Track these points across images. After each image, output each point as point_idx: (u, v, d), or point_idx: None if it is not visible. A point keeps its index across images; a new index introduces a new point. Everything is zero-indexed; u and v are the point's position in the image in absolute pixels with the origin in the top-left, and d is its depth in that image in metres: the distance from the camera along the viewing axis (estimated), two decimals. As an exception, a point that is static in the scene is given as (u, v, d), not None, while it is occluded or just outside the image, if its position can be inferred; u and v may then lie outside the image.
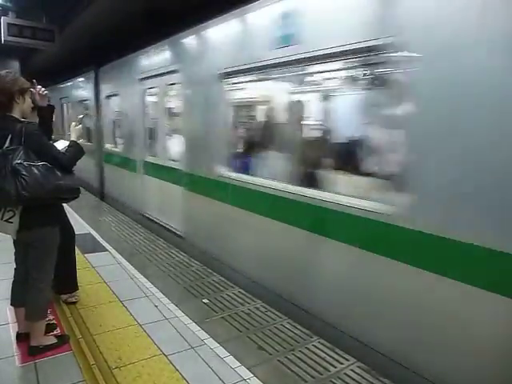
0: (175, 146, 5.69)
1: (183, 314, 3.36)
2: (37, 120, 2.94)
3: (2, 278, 3.35)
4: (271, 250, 3.76)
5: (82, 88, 9.82)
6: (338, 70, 3.52)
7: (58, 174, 2.54)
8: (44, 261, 2.67)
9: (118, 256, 4.73)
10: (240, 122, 5.04)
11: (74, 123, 2.99)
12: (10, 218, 2.50)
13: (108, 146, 8.32)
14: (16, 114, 2.57)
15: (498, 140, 2.12)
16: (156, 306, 3.48)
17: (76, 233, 3.59)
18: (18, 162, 2.39)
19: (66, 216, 3.50)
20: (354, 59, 3.01)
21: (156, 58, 5.93)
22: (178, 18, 5.08)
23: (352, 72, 3.62)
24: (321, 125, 4.15)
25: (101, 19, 7.23)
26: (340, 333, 2.99)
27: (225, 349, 2.85)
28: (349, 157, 3.63)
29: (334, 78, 3.94)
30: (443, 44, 2.32)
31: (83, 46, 9.11)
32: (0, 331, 2.99)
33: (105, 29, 7.47)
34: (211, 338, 2.98)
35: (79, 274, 3.65)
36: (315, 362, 2.77)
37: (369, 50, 2.73)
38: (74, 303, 3.46)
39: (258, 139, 4.60)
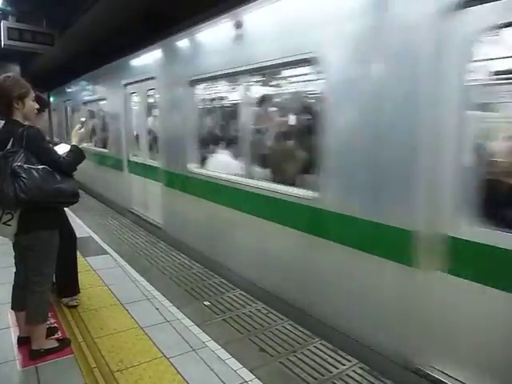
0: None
1: (184, 316, 3.35)
2: (42, 123, 2.90)
3: (3, 282, 3.34)
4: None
5: None
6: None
7: (58, 177, 2.54)
8: (43, 264, 2.66)
9: (119, 259, 4.73)
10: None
11: (77, 127, 2.93)
12: (8, 221, 2.50)
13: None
14: (18, 118, 2.56)
15: None
16: (157, 309, 3.47)
17: (77, 236, 3.59)
18: (18, 164, 2.39)
19: (68, 219, 3.51)
20: None
21: None
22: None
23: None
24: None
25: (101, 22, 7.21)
26: (342, 334, 2.97)
27: (226, 351, 2.85)
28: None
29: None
30: None
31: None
32: (1, 335, 2.99)
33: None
34: (213, 341, 2.98)
35: (80, 277, 3.65)
36: (317, 363, 2.76)
37: None
38: (75, 306, 3.46)
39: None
